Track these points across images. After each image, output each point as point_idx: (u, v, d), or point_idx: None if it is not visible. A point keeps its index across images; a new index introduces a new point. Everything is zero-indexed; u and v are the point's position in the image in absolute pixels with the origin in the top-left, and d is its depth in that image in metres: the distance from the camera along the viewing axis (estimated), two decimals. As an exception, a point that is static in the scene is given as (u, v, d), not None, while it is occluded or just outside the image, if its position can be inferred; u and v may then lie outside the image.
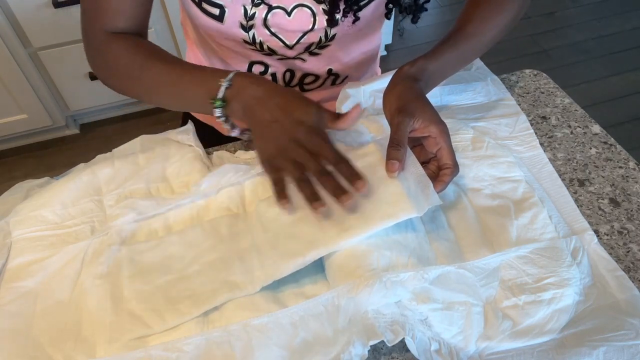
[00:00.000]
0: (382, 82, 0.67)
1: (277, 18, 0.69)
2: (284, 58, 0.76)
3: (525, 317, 0.51)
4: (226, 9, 0.68)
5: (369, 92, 0.72)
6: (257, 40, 0.72)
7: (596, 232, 0.58)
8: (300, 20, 0.70)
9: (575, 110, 0.74)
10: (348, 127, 0.59)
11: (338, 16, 0.69)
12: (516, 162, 0.65)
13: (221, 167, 0.64)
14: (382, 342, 0.47)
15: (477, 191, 0.62)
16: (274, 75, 0.79)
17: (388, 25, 2.09)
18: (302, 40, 0.72)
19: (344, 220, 0.53)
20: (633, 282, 0.53)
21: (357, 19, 0.69)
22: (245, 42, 0.72)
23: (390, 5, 0.71)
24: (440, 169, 0.58)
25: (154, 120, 1.96)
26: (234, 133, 0.65)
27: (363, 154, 0.59)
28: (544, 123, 0.72)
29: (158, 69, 0.65)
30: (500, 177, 0.63)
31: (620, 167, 0.66)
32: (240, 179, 0.63)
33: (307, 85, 0.82)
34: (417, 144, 0.60)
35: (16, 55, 1.59)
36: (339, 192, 0.53)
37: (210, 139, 0.76)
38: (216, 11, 0.68)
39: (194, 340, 0.49)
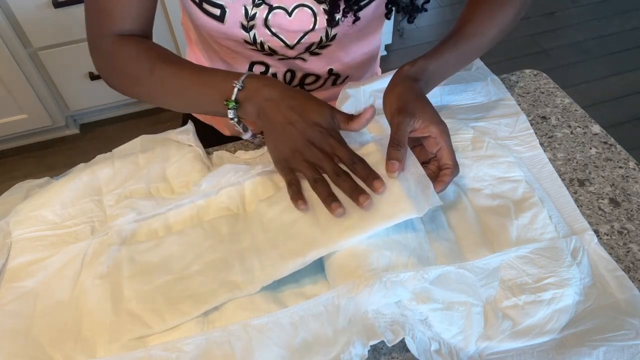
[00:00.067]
0: (382, 82, 0.67)
1: (277, 18, 0.69)
2: (285, 58, 0.76)
3: (525, 317, 0.51)
4: (227, 10, 0.68)
5: (369, 92, 0.72)
6: (258, 41, 0.72)
7: (596, 232, 0.58)
8: (301, 20, 0.70)
9: (575, 110, 0.74)
10: (361, 128, 0.59)
11: (338, 16, 0.69)
12: (516, 162, 0.65)
13: (221, 167, 0.64)
14: (382, 342, 0.47)
15: (477, 191, 0.62)
16: (274, 75, 0.79)
17: (388, 25, 2.09)
18: (302, 40, 0.72)
19: (344, 220, 0.53)
20: (633, 282, 0.53)
21: (357, 19, 0.70)
22: (246, 42, 0.72)
23: (390, 5, 0.71)
24: (440, 169, 0.58)
25: (154, 120, 1.96)
26: (246, 136, 0.65)
27: (363, 154, 0.59)
28: (544, 123, 0.72)
29: (168, 72, 0.65)
30: (500, 177, 0.63)
31: (620, 167, 0.66)
32: (240, 179, 0.63)
33: (308, 86, 0.82)
34: (417, 144, 0.60)
35: (16, 55, 1.59)
36: (356, 193, 0.53)
37: (210, 139, 0.76)
38: (217, 11, 0.68)
39: (194, 340, 0.49)
